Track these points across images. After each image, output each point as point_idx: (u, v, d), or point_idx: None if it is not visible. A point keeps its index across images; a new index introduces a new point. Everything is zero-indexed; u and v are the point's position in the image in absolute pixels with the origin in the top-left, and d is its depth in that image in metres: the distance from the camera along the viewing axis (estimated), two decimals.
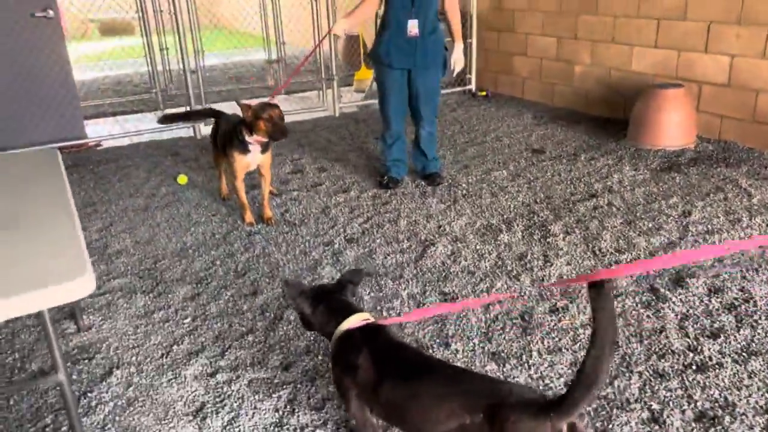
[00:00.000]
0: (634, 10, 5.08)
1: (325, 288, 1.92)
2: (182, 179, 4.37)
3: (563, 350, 2.33)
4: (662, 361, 2.24)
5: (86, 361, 2.39)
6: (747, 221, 3.31)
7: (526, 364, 2.25)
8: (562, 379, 2.16)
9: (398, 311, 2.63)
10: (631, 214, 3.49)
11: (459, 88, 6.87)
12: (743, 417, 1.94)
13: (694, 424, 1.93)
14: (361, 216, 3.67)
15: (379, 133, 5.47)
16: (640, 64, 5.15)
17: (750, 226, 3.26)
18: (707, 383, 2.10)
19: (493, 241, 3.26)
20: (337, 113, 6.29)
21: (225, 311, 2.71)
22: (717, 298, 2.60)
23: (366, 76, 7.29)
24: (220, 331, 2.56)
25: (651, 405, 2.01)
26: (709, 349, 2.28)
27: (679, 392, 2.07)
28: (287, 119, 3.61)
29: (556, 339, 2.39)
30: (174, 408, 2.11)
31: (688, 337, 2.36)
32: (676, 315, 2.50)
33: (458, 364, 2.25)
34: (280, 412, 2.07)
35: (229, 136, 3.40)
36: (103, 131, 5.85)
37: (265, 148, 3.40)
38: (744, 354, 2.24)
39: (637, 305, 2.59)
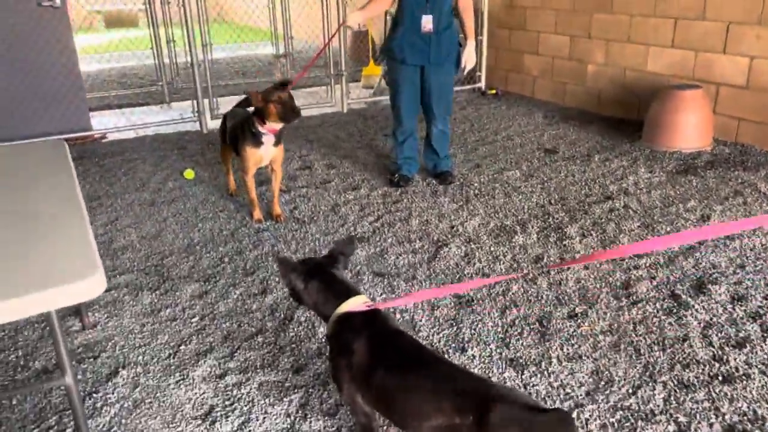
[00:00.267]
0: (651, 9, 4.99)
1: (317, 262, 1.84)
2: (189, 174, 4.30)
3: (583, 358, 2.25)
4: (687, 371, 2.16)
5: (91, 360, 2.32)
6: None
7: (545, 372, 2.18)
8: (583, 389, 2.09)
9: (412, 314, 2.56)
10: (648, 218, 3.42)
11: (468, 86, 6.79)
12: None
13: None
14: (372, 214, 3.60)
15: (388, 130, 5.41)
16: (655, 65, 5.07)
17: None
18: (734, 395, 2.03)
19: (507, 242, 3.18)
20: (345, 109, 6.21)
21: (234, 310, 2.64)
22: (741, 306, 2.52)
23: (374, 72, 7.21)
24: (229, 331, 2.49)
25: (677, 417, 1.94)
26: (735, 360, 2.20)
27: (706, 404, 1.99)
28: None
29: (576, 346, 2.32)
30: (182, 411, 2.04)
31: (713, 347, 2.28)
32: (699, 323, 2.43)
33: (475, 370, 2.18)
34: (292, 417, 2.00)
35: (240, 129, 3.32)
36: (108, 123, 5.77)
37: (277, 140, 3.33)
38: None
39: (658, 312, 2.52)
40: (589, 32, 5.60)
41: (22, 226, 1.53)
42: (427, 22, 3.52)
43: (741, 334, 2.35)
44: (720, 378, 2.11)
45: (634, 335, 2.37)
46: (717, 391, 2.05)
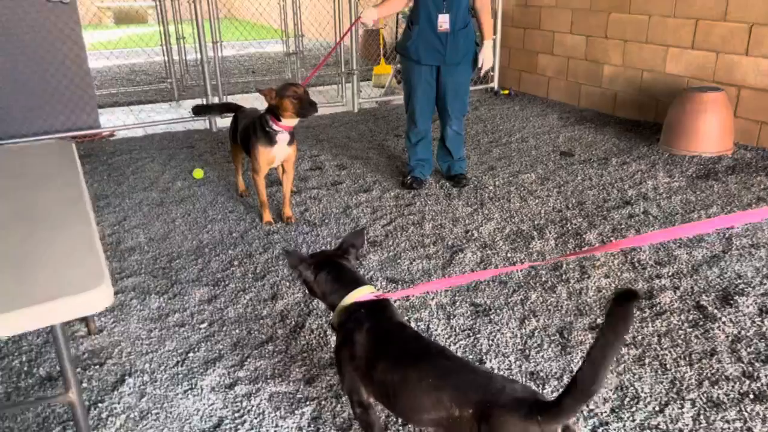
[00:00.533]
0: (670, 9, 4.88)
1: (327, 254, 1.86)
2: (198, 173, 4.23)
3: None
4: (716, 387, 2.07)
5: (97, 366, 2.25)
6: None
7: None
8: (608, 405, 2.00)
9: (427, 323, 2.48)
10: (669, 224, 3.32)
11: (481, 86, 6.69)
12: None
13: None
14: (384, 218, 3.52)
15: (399, 130, 5.33)
16: (674, 66, 4.95)
17: None
18: (767, 415, 1.93)
19: (524, 248, 3.09)
20: (356, 109, 6.12)
21: (243, 316, 2.56)
22: None
23: (385, 71, 7.12)
24: (239, 338, 2.41)
25: None
26: (766, 377, 2.10)
27: (738, 424, 1.90)
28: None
29: None
30: (190, 423, 1.97)
31: (742, 362, 2.19)
32: (727, 336, 2.33)
33: None
34: (304, 431, 1.92)
35: (253, 128, 3.25)
36: (117, 121, 5.72)
37: (291, 140, 3.25)
38: None
39: (683, 324, 2.42)
40: (605, 32, 5.49)
41: (27, 232, 1.45)
42: (443, 22, 3.43)
43: None
44: (751, 396, 2.02)
45: (659, 348, 2.28)
46: (749, 410, 1.95)
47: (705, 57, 4.70)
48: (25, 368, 2.25)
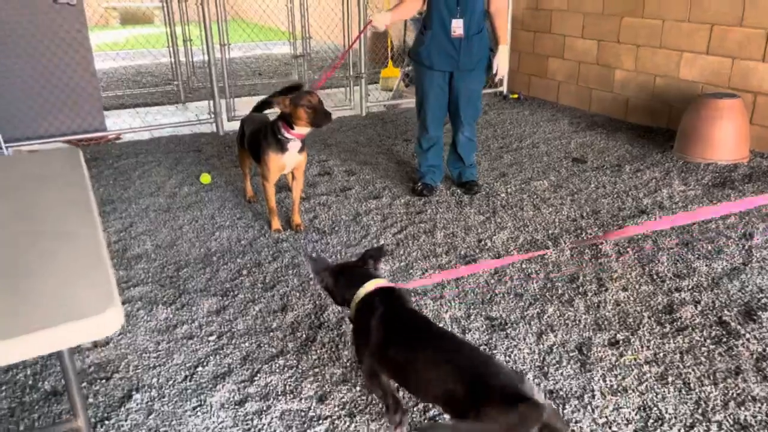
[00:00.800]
0: (684, 14, 4.80)
1: (348, 263, 2.05)
2: (205, 178, 4.17)
3: (629, 391, 2.09)
4: (742, 409, 2.00)
5: (103, 381, 2.19)
6: None
7: (588, 406, 2.02)
8: (631, 426, 1.93)
9: None
10: (686, 234, 3.24)
11: (490, 90, 6.62)
12: None
13: None
14: (395, 225, 3.45)
15: (408, 134, 5.26)
16: (688, 72, 4.88)
17: None
18: None
19: (539, 259, 3.02)
20: (364, 112, 6.06)
21: (253, 328, 2.50)
22: None
23: (393, 74, 7.06)
24: (248, 352, 2.35)
25: None
26: None
27: None
28: None
29: (620, 377, 2.16)
30: None
31: None
32: (752, 354, 2.26)
33: None
34: None
35: (263, 134, 3.18)
36: (123, 124, 5.67)
37: (301, 147, 3.19)
38: None
39: (705, 340, 2.35)
40: (618, 37, 5.41)
41: (31, 249, 1.39)
42: (457, 27, 3.37)
43: None
44: None
45: (681, 366, 2.21)
46: None
47: (720, 63, 4.62)
48: (30, 382, 2.19)
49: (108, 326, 1.19)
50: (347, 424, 1.96)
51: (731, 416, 1.96)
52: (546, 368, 2.21)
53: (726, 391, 2.08)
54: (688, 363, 2.22)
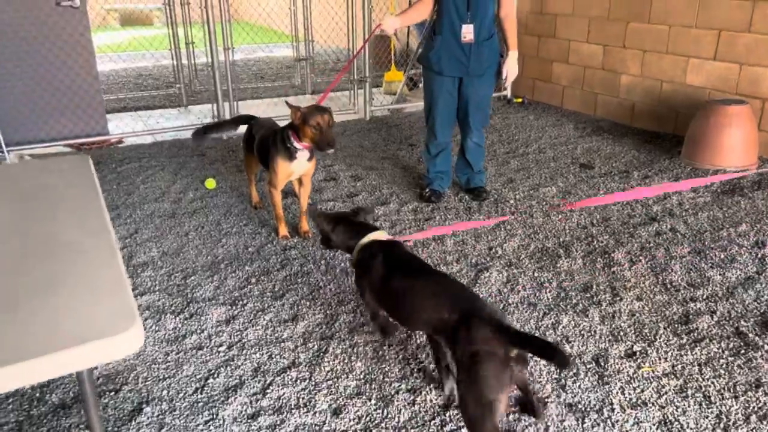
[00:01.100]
0: (692, 20, 4.78)
1: (342, 214, 2.40)
2: (210, 183, 4.13)
3: (648, 404, 2.06)
4: (764, 423, 1.96)
5: (112, 393, 2.15)
6: None
7: (608, 420, 1.99)
8: None
9: None
10: (698, 242, 3.21)
11: (495, 94, 6.58)
12: None
13: None
14: (404, 232, 3.41)
15: (413, 139, 5.23)
16: (695, 78, 4.86)
17: None
18: None
19: (551, 267, 2.99)
20: (368, 117, 6.03)
21: (263, 339, 2.46)
22: None
23: (396, 77, 7.03)
24: (260, 363, 2.31)
25: None
26: None
27: None
28: None
29: (638, 390, 2.12)
30: None
31: None
32: None
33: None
34: None
35: (273, 141, 3.14)
36: (125, 127, 5.62)
37: (310, 156, 3.15)
38: None
39: (723, 352, 2.32)
40: (624, 42, 5.39)
41: (47, 264, 1.35)
42: (467, 32, 3.33)
43: None
44: None
45: (701, 379, 2.17)
46: None
47: (728, 68, 4.60)
48: (37, 394, 2.15)
49: (130, 345, 1.15)
50: None
51: (754, 431, 1.93)
52: (564, 380, 2.18)
53: (747, 405, 2.04)
54: (707, 375, 2.19)
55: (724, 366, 2.24)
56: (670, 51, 5.00)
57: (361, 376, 2.22)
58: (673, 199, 3.79)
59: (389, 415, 2.02)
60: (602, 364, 2.27)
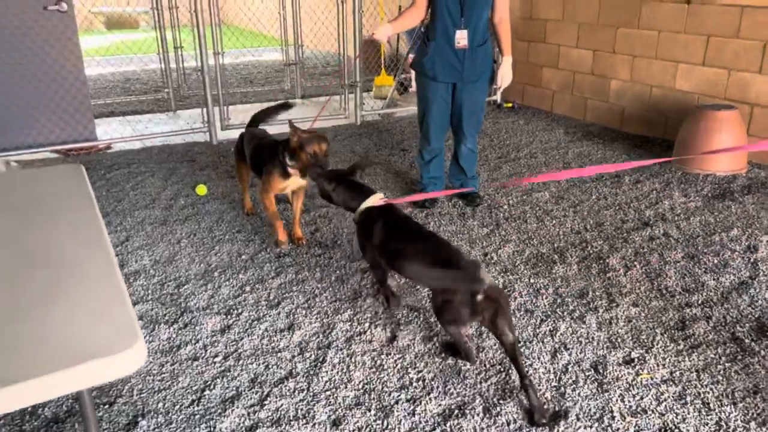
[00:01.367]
0: (681, 26, 4.83)
1: (341, 172, 2.72)
2: (201, 190, 4.09)
3: (648, 412, 2.06)
4: (764, 429, 1.97)
5: (107, 406, 2.11)
6: None
7: (609, 429, 1.98)
8: None
9: (455, 359, 2.36)
10: (691, 247, 3.23)
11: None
12: None
13: None
14: None
15: (405, 144, 5.22)
16: (684, 83, 4.90)
17: None
18: None
19: (547, 273, 2.99)
20: (358, 121, 6.01)
21: (260, 348, 2.43)
22: None
23: (386, 82, 7.02)
24: (256, 374, 2.28)
25: None
26: None
27: None
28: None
29: (638, 397, 2.12)
30: None
31: None
32: None
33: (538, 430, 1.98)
34: None
35: (268, 154, 3.12)
36: (113, 132, 5.56)
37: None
38: None
39: (720, 358, 2.33)
40: (613, 47, 5.43)
41: (44, 280, 1.32)
42: (461, 38, 3.33)
43: None
44: None
45: (699, 385, 2.18)
46: None
47: (716, 74, 4.65)
48: (29, 409, 2.10)
49: (132, 363, 1.12)
50: None
51: None
52: (563, 388, 2.17)
53: (746, 411, 2.05)
54: (706, 382, 2.20)
55: (721, 372, 2.25)
56: (660, 56, 5.05)
57: (360, 386, 2.19)
58: (665, 204, 3.81)
59: (389, 426, 2.00)
60: (601, 371, 2.26)
